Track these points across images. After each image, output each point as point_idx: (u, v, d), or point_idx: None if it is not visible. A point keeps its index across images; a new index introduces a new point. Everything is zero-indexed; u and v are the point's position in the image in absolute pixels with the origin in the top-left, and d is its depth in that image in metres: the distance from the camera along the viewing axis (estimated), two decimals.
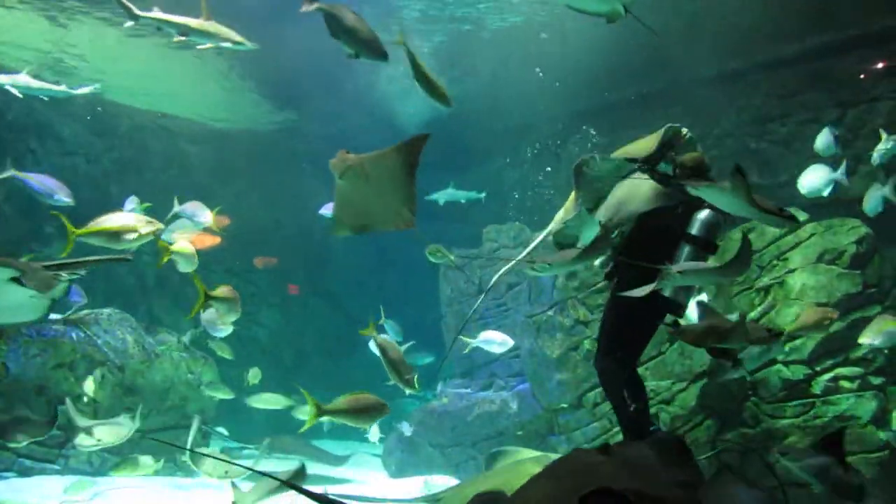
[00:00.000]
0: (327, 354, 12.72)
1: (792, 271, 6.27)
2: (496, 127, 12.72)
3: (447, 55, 11.17)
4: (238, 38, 6.05)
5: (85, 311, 9.05)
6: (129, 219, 5.36)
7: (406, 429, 9.06)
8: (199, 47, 5.95)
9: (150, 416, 8.75)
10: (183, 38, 5.89)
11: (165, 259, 6.02)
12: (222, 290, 6.23)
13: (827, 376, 5.77)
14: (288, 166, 12.93)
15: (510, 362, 8.99)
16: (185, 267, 6.13)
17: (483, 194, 12.15)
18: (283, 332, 12.98)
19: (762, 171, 10.19)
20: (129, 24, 5.90)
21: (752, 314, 6.24)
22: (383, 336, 5.48)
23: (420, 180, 14.37)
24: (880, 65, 9.56)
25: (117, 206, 12.70)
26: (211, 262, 12.82)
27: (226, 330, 7.27)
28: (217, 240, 10.74)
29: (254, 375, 9.71)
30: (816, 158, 7.47)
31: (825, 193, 7.17)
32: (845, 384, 5.68)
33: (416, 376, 5.12)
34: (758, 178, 10.19)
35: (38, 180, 6.63)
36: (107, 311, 9.11)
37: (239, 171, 12.13)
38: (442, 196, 12.04)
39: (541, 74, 10.76)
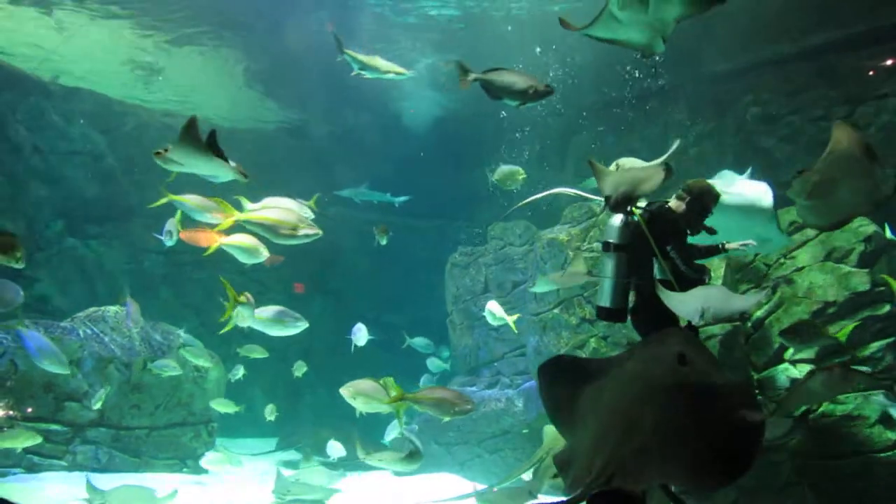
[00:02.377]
0: (333, 352, 12.73)
1: (800, 269, 6.23)
2: (501, 124, 12.70)
3: (453, 50, 11.16)
4: (399, 69, 7.05)
5: (92, 309, 9.10)
6: (292, 216, 5.57)
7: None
8: (365, 76, 7.07)
9: (157, 413, 8.79)
10: (361, 73, 7.00)
11: (212, 249, 6.27)
12: (244, 296, 6.34)
13: None
14: (294, 164, 12.96)
15: (515, 361, 8.97)
16: (246, 259, 6.33)
17: (398, 199, 11.92)
18: None
19: (770, 169, 10.13)
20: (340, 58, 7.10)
21: (759, 313, 6.20)
22: (413, 392, 5.76)
23: (428, 177, 14.27)
24: (889, 61, 9.48)
25: (126, 203, 12.84)
26: (220, 261, 12.87)
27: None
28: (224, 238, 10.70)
29: (298, 368, 9.76)
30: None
31: None
32: None
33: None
34: (765, 177, 10.15)
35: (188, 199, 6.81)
36: (113, 308, 9.15)
37: (245, 169, 12.14)
38: (354, 194, 11.85)
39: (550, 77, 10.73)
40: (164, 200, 6.41)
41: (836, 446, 5.47)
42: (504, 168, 7.86)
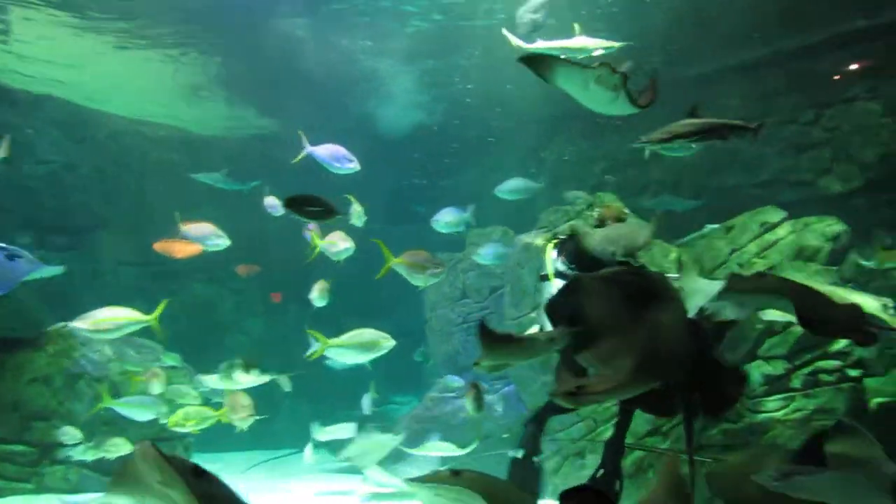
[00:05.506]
0: (313, 362, 12.63)
1: (771, 269, 6.32)
2: (480, 131, 12.76)
3: (431, 57, 11.22)
4: (606, 42, 6.64)
5: (61, 324, 8.90)
6: (421, 257, 5.94)
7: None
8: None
9: (131, 430, 8.57)
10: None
11: (316, 252, 7.13)
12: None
13: (806, 370, 5.82)
14: (269, 173, 12.90)
15: None
16: (340, 256, 7.17)
17: (248, 186, 11.44)
18: (267, 339, 12.85)
19: (742, 171, 10.29)
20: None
21: None
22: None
23: (404, 185, 14.17)
24: (854, 66, 9.70)
25: (97, 213, 12.61)
26: (193, 271, 12.72)
27: None
28: (198, 248, 10.58)
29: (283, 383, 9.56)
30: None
31: (461, 229, 8.42)
32: (824, 377, 5.74)
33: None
34: (738, 179, 10.31)
35: (325, 151, 7.37)
36: None
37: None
38: (210, 180, 11.39)
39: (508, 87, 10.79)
40: (386, 268, 6.11)
41: None
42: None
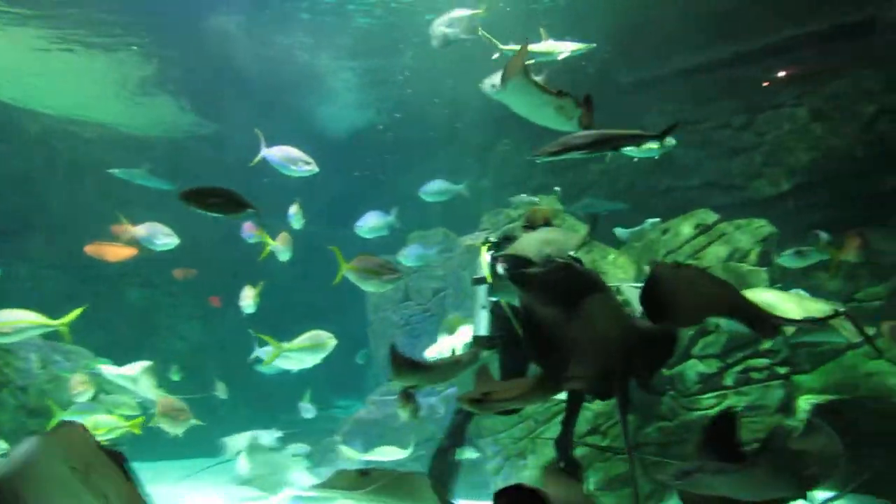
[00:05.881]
0: (251, 367, 12.36)
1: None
2: (422, 133, 12.73)
3: (375, 55, 11.12)
4: (574, 46, 7.02)
5: None
6: (372, 262, 5.89)
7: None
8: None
9: None
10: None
11: (266, 251, 7.51)
12: None
13: (738, 368, 6.00)
14: (209, 175, 12.55)
15: None
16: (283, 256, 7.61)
17: (170, 187, 10.99)
18: (204, 345, 12.51)
19: (677, 174, 10.57)
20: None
21: None
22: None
23: (347, 186, 14.02)
24: (782, 73, 10.10)
25: (25, 216, 12.02)
26: (127, 275, 12.26)
27: None
28: (133, 251, 10.22)
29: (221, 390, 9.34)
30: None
31: (385, 233, 8.65)
32: (755, 375, 5.93)
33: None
34: (673, 182, 10.60)
35: (277, 152, 7.21)
36: None
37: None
38: (129, 175, 10.92)
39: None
40: (341, 275, 5.94)
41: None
42: None
